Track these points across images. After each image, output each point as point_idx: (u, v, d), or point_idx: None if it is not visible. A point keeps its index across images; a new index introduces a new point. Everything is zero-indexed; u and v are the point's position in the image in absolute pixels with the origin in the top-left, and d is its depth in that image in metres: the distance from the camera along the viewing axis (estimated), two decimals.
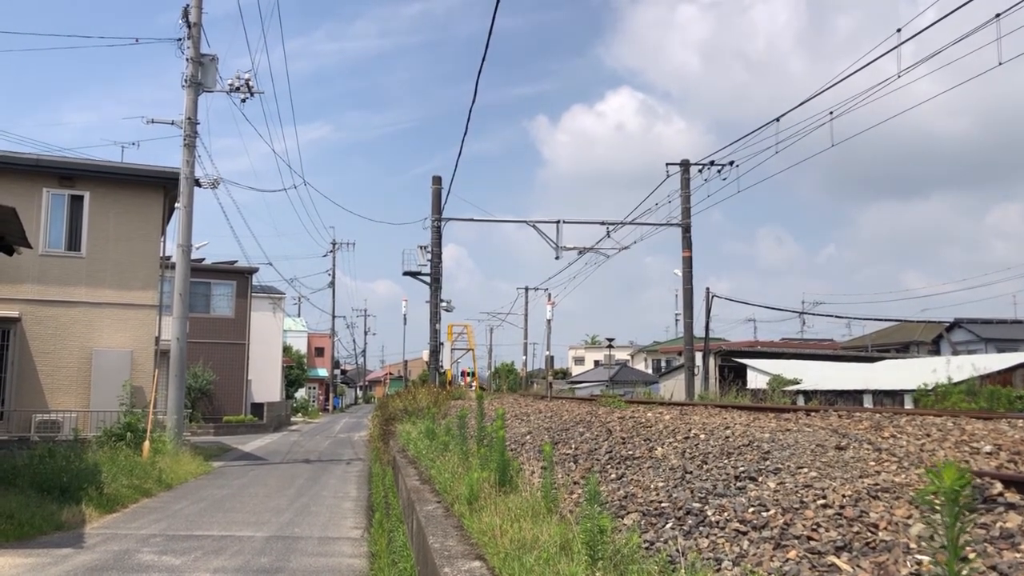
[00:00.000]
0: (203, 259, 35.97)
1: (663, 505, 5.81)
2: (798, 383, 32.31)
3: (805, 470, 5.99)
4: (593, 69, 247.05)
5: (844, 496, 5.10)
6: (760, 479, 5.98)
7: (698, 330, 33.51)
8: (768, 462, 6.48)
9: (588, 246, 32.12)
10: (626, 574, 4.02)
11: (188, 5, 20.27)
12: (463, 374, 56.76)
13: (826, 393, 28.63)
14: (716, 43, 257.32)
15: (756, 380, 35.61)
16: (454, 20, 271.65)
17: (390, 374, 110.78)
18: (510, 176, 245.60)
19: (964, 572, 2.75)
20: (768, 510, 5.12)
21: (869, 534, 4.43)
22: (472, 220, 36.33)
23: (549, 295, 53.40)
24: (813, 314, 57.03)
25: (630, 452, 8.28)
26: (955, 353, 40.44)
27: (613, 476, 7.33)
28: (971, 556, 3.77)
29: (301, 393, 59.83)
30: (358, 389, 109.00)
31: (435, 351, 33.45)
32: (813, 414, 10.58)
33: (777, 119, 20.97)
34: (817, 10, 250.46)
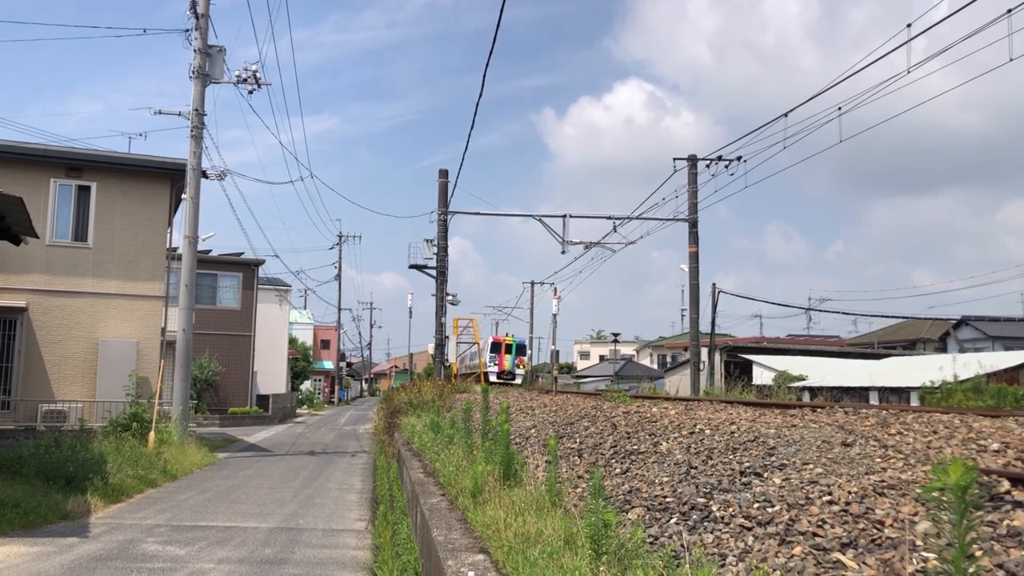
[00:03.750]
0: (209, 251, 36.05)
1: (668, 500, 5.80)
2: (804, 379, 32.24)
3: (811, 466, 5.96)
4: (602, 61, 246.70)
5: (850, 493, 5.08)
6: (765, 475, 5.96)
7: (704, 326, 33.48)
8: (773, 458, 6.46)
9: (594, 241, 32.14)
10: (630, 569, 4.01)
11: None
12: (501, 348, 40.73)
13: (832, 389, 28.53)
14: (726, 35, 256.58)
15: (762, 376, 35.54)
16: (461, 11, 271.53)
17: (395, 367, 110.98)
18: (517, 170, 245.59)
19: (971, 570, 2.73)
20: (773, 506, 5.10)
21: (875, 531, 4.41)
22: (478, 214, 36.47)
23: (555, 290, 53.13)
24: (819, 310, 56.93)
25: (635, 447, 8.27)
26: (962, 351, 40.30)
27: (618, 471, 7.33)
28: (978, 554, 3.75)
29: (307, 385, 59.96)
30: (363, 382, 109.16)
31: (440, 344, 33.48)
32: (819, 410, 10.55)
33: (785, 114, 20.93)
34: (831, 2, 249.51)
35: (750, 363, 38.88)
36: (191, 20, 20.35)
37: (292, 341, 51.72)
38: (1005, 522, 4.32)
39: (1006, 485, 4.96)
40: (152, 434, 16.83)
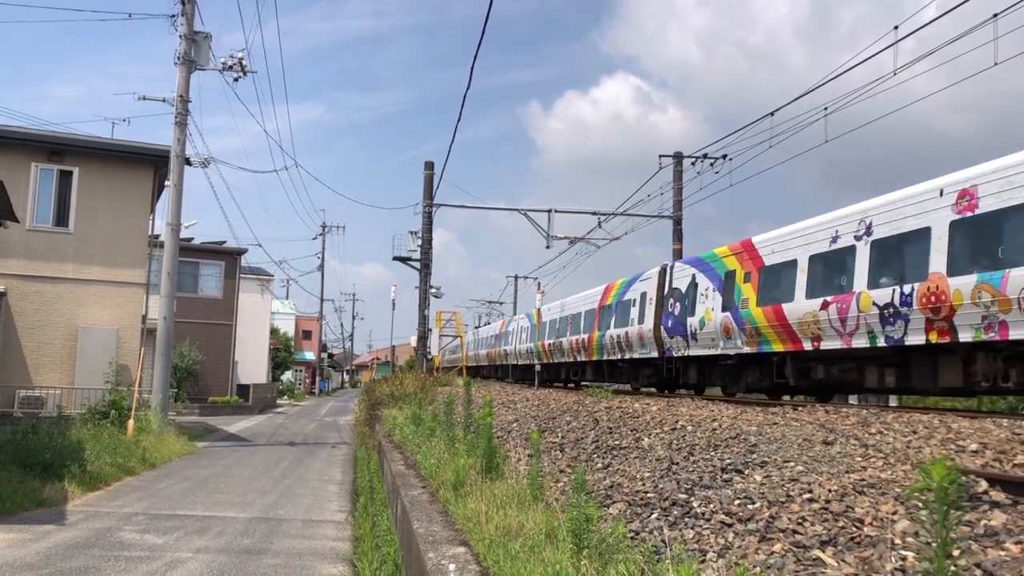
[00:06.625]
0: (192, 238, 35.78)
1: (649, 495, 5.81)
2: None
3: (792, 464, 5.99)
4: (591, 56, 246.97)
5: (830, 491, 5.11)
6: (747, 472, 5.99)
7: None
8: (755, 455, 6.49)
9: (579, 236, 32.13)
10: (611, 563, 4.01)
11: None
12: None
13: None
14: (715, 32, 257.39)
15: None
16: (449, 1, 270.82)
17: (377, 359, 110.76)
18: (502, 163, 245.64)
19: (951, 569, 2.74)
20: (754, 503, 5.12)
21: (854, 529, 4.44)
22: (463, 207, 36.40)
23: (539, 284, 53.20)
24: None
25: (617, 442, 8.28)
26: None
27: (599, 465, 7.34)
28: (956, 553, 3.78)
29: (287, 376, 59.73)
30: (345, 373, 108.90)
31: (423, 337, 33.42)
32: (800, 409, 10.62)
33: (772, 113, 20.92)
34: (820, 1, 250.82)
35: None
36: (177, 5, 20.17)
37: (274, 331, 51.48)
38: (983, 522, 4.36)
39: (984, 485, 5.01)
40: (131, 422, 16.71)
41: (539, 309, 31.39)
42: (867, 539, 4.27)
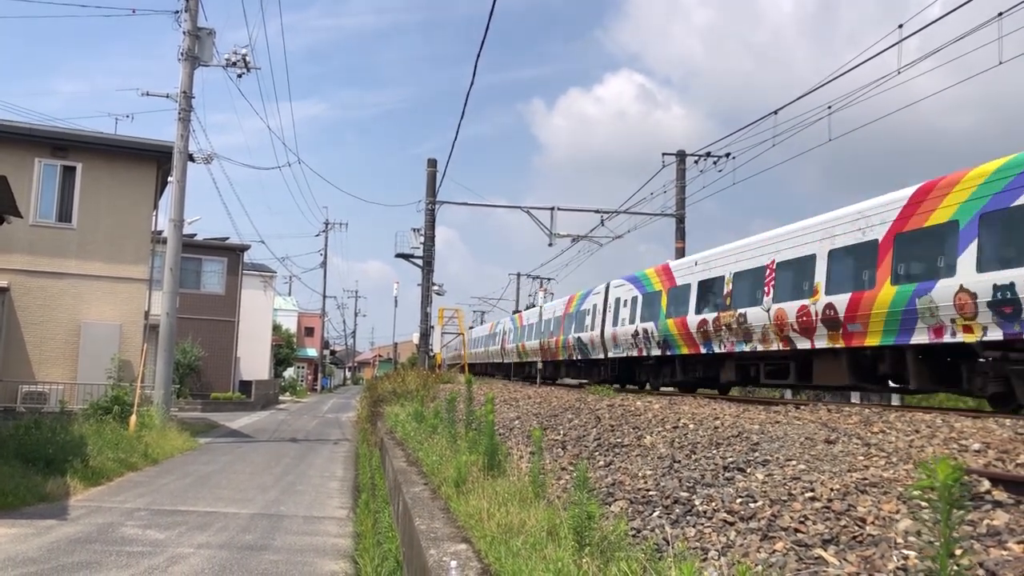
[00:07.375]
0: (195, 235, 35.78)
1: (651, 493, 5.81)
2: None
3: (794, 463, 5.99)
4: (593, 54, 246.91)
5: (832, 490, 5.10)
6: (749, 470, 5.98)
7: None
8: (757, 453, 6.49)
9: (582, 234, 32.11)
10: (613, 561, 4.00)
11: None
12: None
13: (814, 387, 28.51)
14: (719, 29, 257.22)
15: None
16: None
17: (379, 356, 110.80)
18: (505, 160, 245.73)
19: (954, 568, 2.74)
20: (756, 501, 5.11)
21: (856, 528, 4.43)
22: (466, 204, 36.43)
23: (541, 282, 53.16)
24: None
25: (618, 440, 8.28)
26: None
27: (601, 463, 7.34)
28: (958, 553, 3.77)
29: (290, 372, 59.78)
30: (347, 370, 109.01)
31: (425, 334, 33.42)
32: (802, 407, 10.61)
33: (775, 112, 20.91)
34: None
35: None
36: (181, 1, 20.18)
37: (276, 328, 51.51)
38: (985, 521, 4.35)
39: (986, 485, 5.00)
40: (133, 418, 16.72)
41: (666, 265, 19.80)
42: (869, 538, 4.27)
